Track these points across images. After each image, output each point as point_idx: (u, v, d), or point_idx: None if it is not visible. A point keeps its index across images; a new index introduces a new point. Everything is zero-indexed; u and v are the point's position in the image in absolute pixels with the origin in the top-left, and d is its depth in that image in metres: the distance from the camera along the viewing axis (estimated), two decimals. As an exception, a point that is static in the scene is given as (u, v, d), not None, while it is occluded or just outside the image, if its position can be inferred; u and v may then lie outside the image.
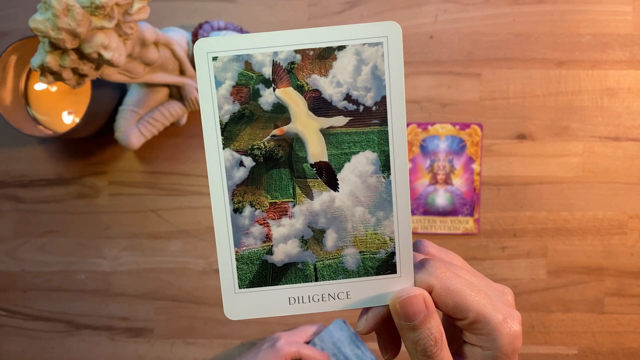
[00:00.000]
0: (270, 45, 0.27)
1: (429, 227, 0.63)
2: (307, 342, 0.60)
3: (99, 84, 0.55)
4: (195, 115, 0.63)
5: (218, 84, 0.27)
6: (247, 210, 0.28)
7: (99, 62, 0.41)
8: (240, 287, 0.29)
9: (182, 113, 0.61)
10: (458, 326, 0.29)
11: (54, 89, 0.59)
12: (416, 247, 0.32)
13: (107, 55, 0.40)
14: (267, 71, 0.28)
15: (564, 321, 0.63)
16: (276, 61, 0.27)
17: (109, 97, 0.58)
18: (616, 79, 0.62)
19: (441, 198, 0.63)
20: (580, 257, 0.63)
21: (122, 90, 0.60)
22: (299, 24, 0.63)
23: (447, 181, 0.63)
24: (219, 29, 0.59)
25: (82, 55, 0.40)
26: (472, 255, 0.63)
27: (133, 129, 0.58)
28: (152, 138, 0.60)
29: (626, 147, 0.62)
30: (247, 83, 0.28)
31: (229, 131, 0.28)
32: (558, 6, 0.62)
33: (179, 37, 0.57)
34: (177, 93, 0.59)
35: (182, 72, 0.57)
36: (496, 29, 0.62)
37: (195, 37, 0.58)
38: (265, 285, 0.29)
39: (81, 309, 0.65)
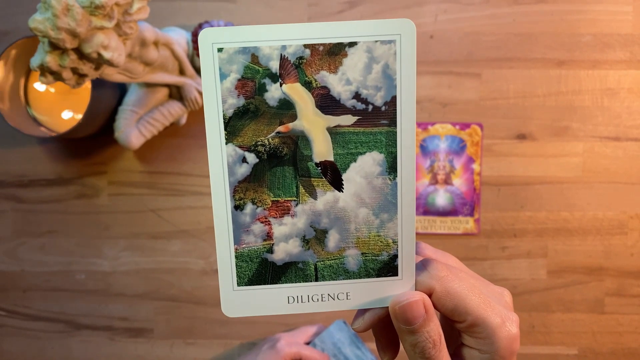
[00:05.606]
0: (278, 38, 0.26)
1: (429, 227, 0.63)
2: (308, 343, 0.60)
3: (99, 84, 0.55)
4: (195, 115, 0.63)
5: (223, 76, 0.26)
6: (249, 207, 0.28)
7: (99, 62, 0.41)
8: (238, 284, 0.28)
9: (182, 113, 0.61)
10: (456, 328, 0.29)
11: (52, 89, 0.59)
12: None
13: (106, 55, 0.40)
14: (275, 65, 0.26)
15: (564, 321, 0.63)
16: (284, 55, 0.26)
17: (109, 97, 0.58)
18: (616, 79, 0.62)
19: (441, 198, 0.63)
20: (581, 257, 0.63)
21: (122, 90, 0.60)
22: (299, 24, 0.63)
23: (447, 181, 0.63)
24: (219, 29, 0.59)
25: (81, 55, 0.40)
26: (472, 255, 0.63)
27: (133, 129, 0.58)
28: (152, 138, 0.60)
29: (626, 147, 0.62)
30: (253, 77, 0.27)
31: (233, 126, 0.27)
32: (558, 6, 0.62)
33: (178, 37, 0.57)
34: (177, 93, 0.59)
35: (182, 72, 0.57)
36: (496, 29, 0.62)
37: (195, 37, 0.58)
38: (265, 284, 0.28)
39: (81, 309, 0.65)
